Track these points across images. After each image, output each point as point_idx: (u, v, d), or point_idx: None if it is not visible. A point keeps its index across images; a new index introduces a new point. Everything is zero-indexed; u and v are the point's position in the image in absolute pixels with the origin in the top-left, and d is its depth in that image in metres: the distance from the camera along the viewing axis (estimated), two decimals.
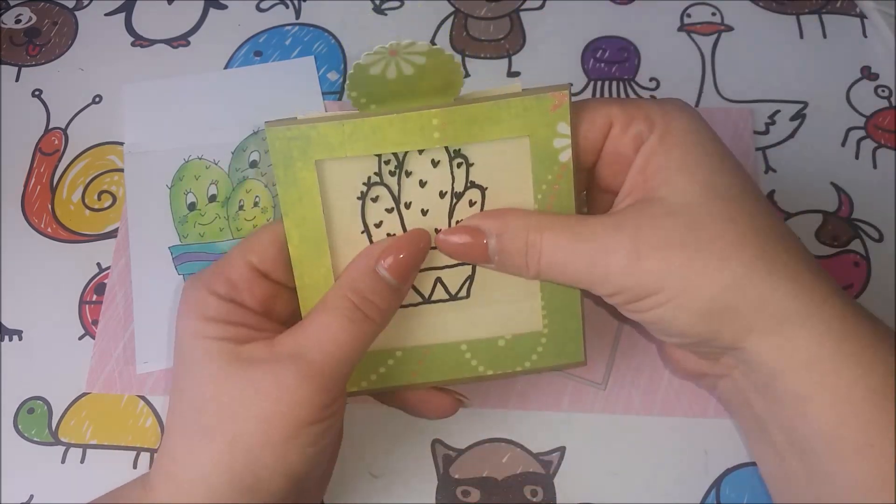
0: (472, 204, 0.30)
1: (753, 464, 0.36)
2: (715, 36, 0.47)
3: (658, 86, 0.46)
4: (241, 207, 0.42)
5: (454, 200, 0.30)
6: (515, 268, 0.29)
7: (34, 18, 0.49)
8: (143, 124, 0.45)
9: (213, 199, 0.42)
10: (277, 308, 0.30)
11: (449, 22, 0.48)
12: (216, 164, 0.43)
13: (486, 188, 0.30)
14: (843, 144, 0.44)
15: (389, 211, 0.30)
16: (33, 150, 0.45)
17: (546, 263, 0.28)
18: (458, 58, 0.34)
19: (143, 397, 0.38)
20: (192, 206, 0.42)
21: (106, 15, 0.49)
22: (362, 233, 0.30)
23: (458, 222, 0.30)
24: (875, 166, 0.43)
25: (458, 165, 0.29)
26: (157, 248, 0.41)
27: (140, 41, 0.48)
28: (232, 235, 0.41)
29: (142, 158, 0.43)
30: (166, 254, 0.41)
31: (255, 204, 0.42)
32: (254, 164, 0.43)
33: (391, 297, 0.29)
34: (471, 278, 0.31)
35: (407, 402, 0.32)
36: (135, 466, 0.37)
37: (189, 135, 0.44)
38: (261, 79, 0.46)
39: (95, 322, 0.40)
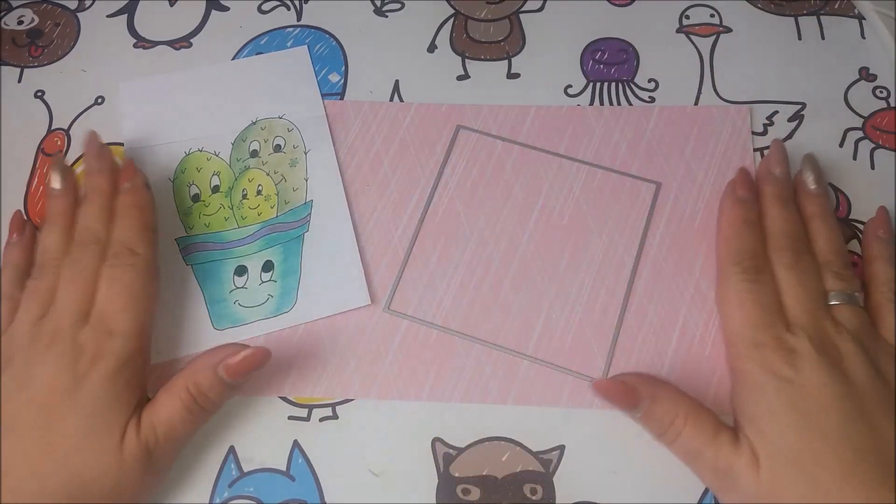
0: None
1: None
2: (713, 37, 0.48)
3: (657, 87, 0.46)
4: (244, 196, 0.42)
5: None
6: (651, 429, 0.34)
7: (36, 20, 0.50)
8: (141, 120, 0.45)
9: (216, 189, 0.43)
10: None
11: (449, 24, 0.49)
12: (217, 156, 0.44)
13: None
14: (841, 145, 0.44)
15: None
16: (36, 151, 0.45)
17: (679, 445, 0.33)
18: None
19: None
20: (195, 198, 0.42)
21: (108, 16, 0.50)
22: None
23: None
24: (873, 167, 0.43)
25: None
26: (163, 239, 0.41)
27: (142, 43, 0.48)
28: (237, 224, 0.42)
29: (143, 154, 0.44)
30: (173, 245, 0.41)
31: (258, 192, 0.42)
32: (254, 154, 0.44)
33: (226, 393, 0.35)
34: None
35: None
36: None
37: (188, 128, 0.44)
38: (255, 69, 0.47)
39: None
